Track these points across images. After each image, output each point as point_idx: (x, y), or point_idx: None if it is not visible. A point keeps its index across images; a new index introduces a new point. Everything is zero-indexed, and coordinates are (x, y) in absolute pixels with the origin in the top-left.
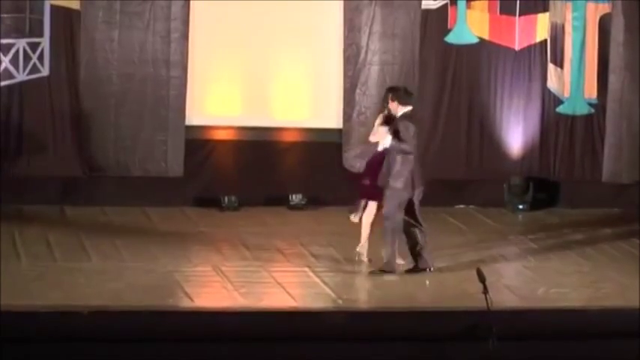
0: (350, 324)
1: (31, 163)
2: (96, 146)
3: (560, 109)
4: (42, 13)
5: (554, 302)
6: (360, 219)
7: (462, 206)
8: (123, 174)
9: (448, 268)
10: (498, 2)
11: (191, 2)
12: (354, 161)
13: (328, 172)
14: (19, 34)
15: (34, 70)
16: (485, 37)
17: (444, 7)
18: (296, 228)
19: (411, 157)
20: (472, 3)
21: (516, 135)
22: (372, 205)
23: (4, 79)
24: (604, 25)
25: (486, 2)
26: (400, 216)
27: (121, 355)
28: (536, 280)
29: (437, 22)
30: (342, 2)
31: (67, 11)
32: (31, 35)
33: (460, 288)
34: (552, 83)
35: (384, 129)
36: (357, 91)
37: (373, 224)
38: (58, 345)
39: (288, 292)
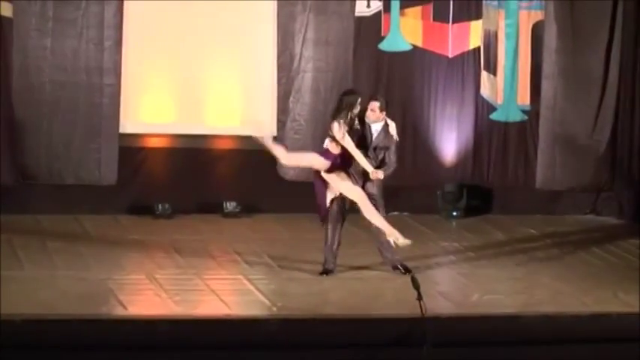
0: (284, 331)
1: None
2: (29, 154)
3: (493, 115)
4: None
5: (488, 308)
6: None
7: (395, 213)
8: (56, 182)
9: (382, 275)
10: (432, 9)
11: (124, 10)
12: (288, 169)
13: (262, 180)
14: None
15: None
16: (419, 44)
17: (378, 15)
18: (230, 235)
19: None
20: (405, 10)
21: (450, 142)
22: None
23: None
24: (537, 32)
25: (420, 9)
26: None
27: None
28: (470, 286)
29: (370, 29)
30: (275, 9)
31: None
32: None
33: (394, 295)
34: (485, 90)
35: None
36: (291, 98)
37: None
38: None
39: (222, 300)
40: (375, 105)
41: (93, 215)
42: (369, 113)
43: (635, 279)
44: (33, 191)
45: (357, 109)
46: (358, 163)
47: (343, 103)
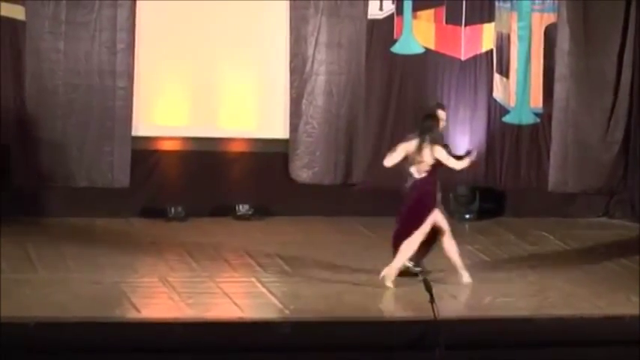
0: (297, 334)
1: None
2: (42, 157)
3: (506, 118)
4: None
5: (500, 311)
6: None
7: None
8: (69, 184)
9: (395, 277)
10: (444, 12)
11: (137, 13)
12: (301, 171)
13: (275, 183)
14: None
15: None
16: (431, 47)
17: (390, 18)
18: (243, 238)
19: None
20: (418, 13)
21: (463, 144)
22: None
23: None
24: (549, 35)
25: (432, 12)
26: None
27: None
28: (483, 289)
29: (383, 32)
30: (288, 12)
31: (11, 22)
32: None
33: (407, 298)
34: (498, 93)
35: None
36: (304, 101)
37: None
38: (3, 356)
39: (235, 303)
40: (444, 114)
41: (106, 218)
42: (442, 123)
43: None
44: (46, 194)
45: (441, 125)
46: None
47: (423, 127)
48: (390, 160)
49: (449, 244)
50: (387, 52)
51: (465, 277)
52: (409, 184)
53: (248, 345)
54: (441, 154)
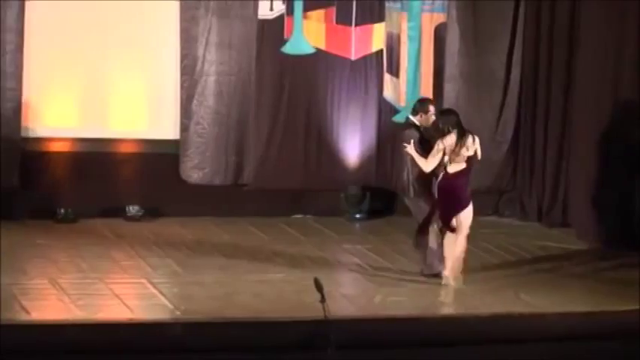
0: (188, 335)
1: None
2: None
3: (396, 118)
4: None
5: (391, 310)
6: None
7: (299, 216)
8: None
9: (286, 277)
10: (335, 13)
11: (26, 14)
12: (192, 172)
13: (165, 184)
14: None
15: None
16: (322, 47)
17: (281, 18)
18: (133, 239)
19: None
20: (308, 13)
21: (353, 144)
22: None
23: None
24: (439, 35)
25: (323, 13)
26: None
27: None
28: (374, 288)
29: (273, 32)
30: (178, 13)
31: None
32: None
33: (298, 298)
34: (388, 92)
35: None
36: (194, 101)
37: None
38: None
39: (125, 304)
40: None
41: None
42: (432, 117)
43: (537, 280)
44: None
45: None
46: None
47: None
48: (433, 163)
49: (461, 243)
50: (277, 52)
51: (448, 281)
52: (442, 180)
53: (139, 346)
54: (478, 144)
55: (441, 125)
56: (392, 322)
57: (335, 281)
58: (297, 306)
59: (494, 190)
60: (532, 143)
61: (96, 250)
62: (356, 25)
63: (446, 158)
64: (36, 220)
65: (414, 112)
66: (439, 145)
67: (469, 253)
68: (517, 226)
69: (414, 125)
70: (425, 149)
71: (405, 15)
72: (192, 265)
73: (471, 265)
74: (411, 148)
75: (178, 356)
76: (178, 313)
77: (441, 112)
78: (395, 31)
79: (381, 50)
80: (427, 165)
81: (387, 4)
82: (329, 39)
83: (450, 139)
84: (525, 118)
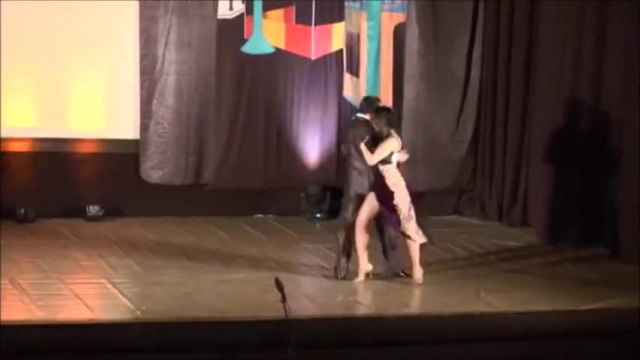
0: (148, 335)
1: None
2: None
3: (355, 117)
4: None
5: (352, 310)
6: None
7: (260, 216)
8: None
9: (247, 277)
10: (294, 12)
11: None
12: (152, 172)
13: (125, 183)
14: None
15: None
16: (282, 46)
17: (240, 17)
18: (93, 239)
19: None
20: (268, 13)
21: (313, 144)
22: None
23: None
24: (399, 34)
25: (282, 12)
26: None
27: None
28: (335, 288)
29: (233, 32)
30: (137, 12)
31: None
32: None
33: (259, 297)
34: (348, 92)
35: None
36: (154, 101)
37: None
38: None
39: (86, 304)
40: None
41: None
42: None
43: (498, 279)
44: None
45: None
46: None
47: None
48: (377, 159)
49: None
50: (237, 51)
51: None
52: (381, 179)
53: (99, 346)
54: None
55: (376, 127)
56: (353, 321)
57: (296, 281)
58: (259, 306)
59: (454, 190)
60: (492, 143)
61: (56, 250)
62: (315, 24)
63: (396, 156)
64: None
65: (363, 111)
66: (393, 145)
67: (431, 252)
68: (477, 226)
69: (364, 121)
70: (375, 144)
71: (364, 15)
72: (153, 265)
73: (431, 265)
74: (362, 145)
75: (139, 356)
76: (139, 313)
77: (376, 112)
78: (355, 31)
79: (341, 50)
80: (372, 159)
81: (346, 4)
82: (289, 39)
83: (398, 140)
84: (485, 118)
